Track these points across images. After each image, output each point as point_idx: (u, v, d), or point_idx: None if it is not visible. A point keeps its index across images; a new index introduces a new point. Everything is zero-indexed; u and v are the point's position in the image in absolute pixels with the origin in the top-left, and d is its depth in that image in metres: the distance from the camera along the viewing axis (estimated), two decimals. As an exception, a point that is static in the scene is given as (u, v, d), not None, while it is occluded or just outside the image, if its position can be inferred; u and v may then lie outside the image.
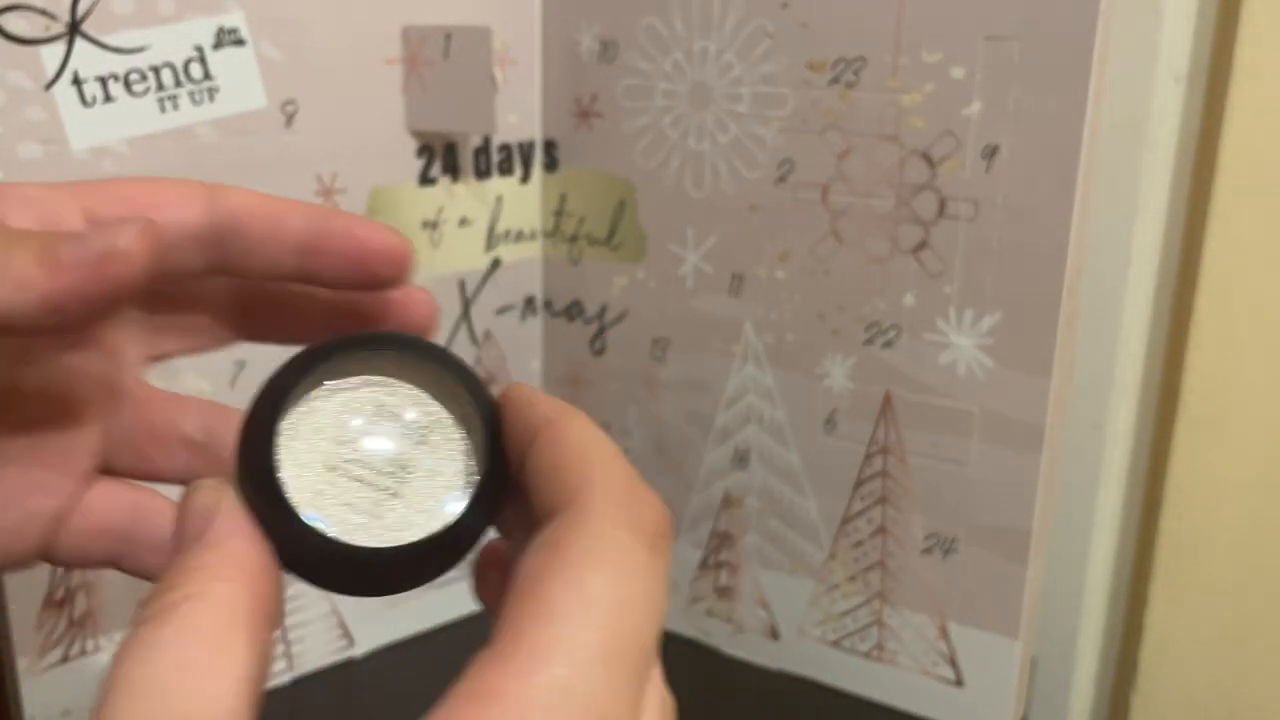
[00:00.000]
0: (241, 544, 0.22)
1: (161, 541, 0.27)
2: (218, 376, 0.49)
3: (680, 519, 0.58)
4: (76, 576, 0.47)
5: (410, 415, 0.25)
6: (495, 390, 0.26)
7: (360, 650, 0.57)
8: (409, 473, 0.25)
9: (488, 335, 0.59)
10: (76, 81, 0.43)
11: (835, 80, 0.48)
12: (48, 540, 0.27)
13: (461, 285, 0.57)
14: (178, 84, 0.45)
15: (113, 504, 0.28)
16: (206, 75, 0.46)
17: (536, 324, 0.61)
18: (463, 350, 0.58)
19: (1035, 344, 0.46)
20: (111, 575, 0.48)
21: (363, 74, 0.50)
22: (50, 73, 0.42)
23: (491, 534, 0.27)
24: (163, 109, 0.45)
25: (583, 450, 0.24)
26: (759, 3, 0.50)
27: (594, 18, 0.55)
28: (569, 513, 0.23)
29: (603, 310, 0.58)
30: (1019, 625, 0.49)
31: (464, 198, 0.56)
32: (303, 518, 0.23)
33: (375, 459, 0.25)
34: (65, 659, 0.47)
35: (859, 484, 0.52)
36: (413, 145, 0.53)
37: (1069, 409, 0.63)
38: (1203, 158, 0.60)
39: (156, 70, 0.45)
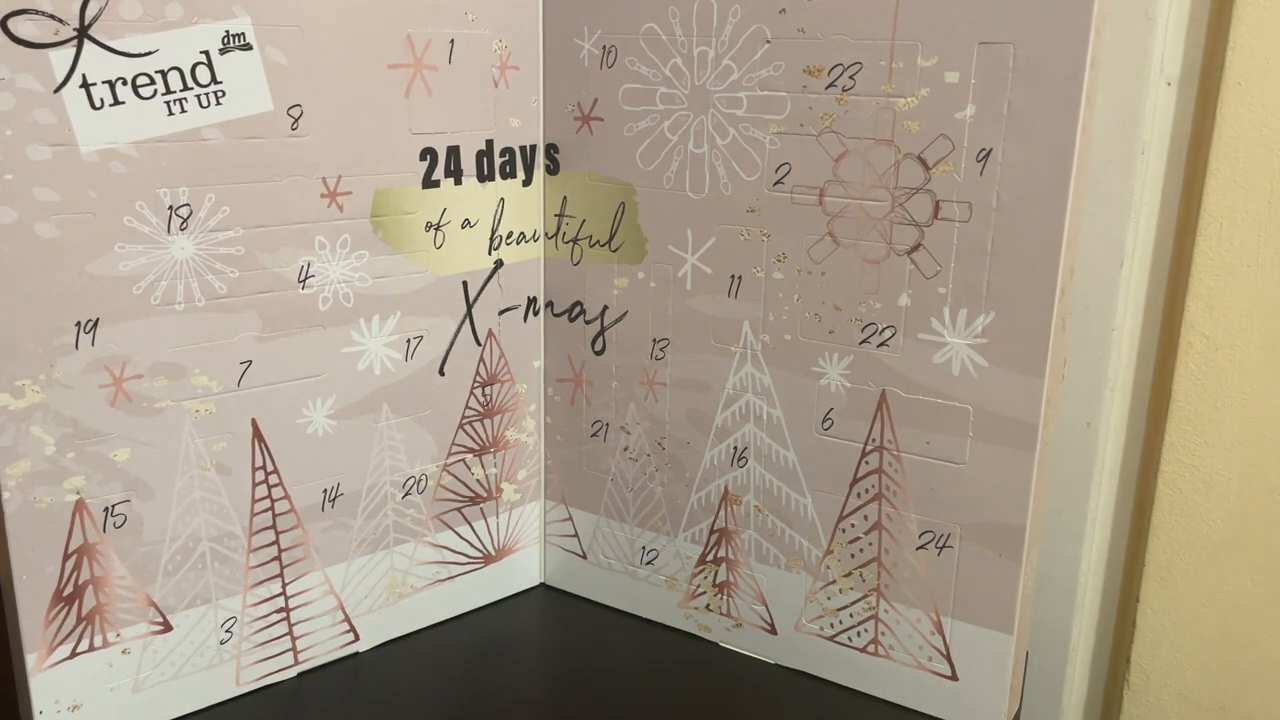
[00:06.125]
0: None
1: None
2: (225, 375, 0.50)
3: (679, 516, 0.59)
4: (86, 572, 0.47)
5: None
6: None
7: (365, 645, 0.58)
8: None
9: (490, 335, 0.59)
10: (85, 85, 0.43)
11: (832, 85, 0.49)
12: None
13: (464, 286, 0.58)
14: (185, 87, 0.46)
15: None
16: (214, 79, 0.46)
17: (538, 324, 0.62)
18: (466, 350, 0.58)
19: (1028, 343, 0.47)
20: (121, 571, 0.48)
21: (367, 78, 0.51)
22: (59, 76, 0.43)
23: None
24: (170, 112, 0.46)
25: None
26: (757, 9, 0.50)
27: (595, 23, 0.56)
28: None
29: (603, 310, 0.59)
30: (1013, 620, 0.50)
31: (466, 200, 0.57)
32: None
33: None
34: (74, 654, 0.48)
35: (855, 481, 0.53)
36: (416, 148, 0.54)
37: (1062, 407, 0.64)
38: (1194, 160, 0.61)
39: (164, 74, 0.45)
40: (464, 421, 0.59)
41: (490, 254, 0.59)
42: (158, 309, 0.47)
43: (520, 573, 0.65)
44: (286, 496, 0.53)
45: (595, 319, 0.60)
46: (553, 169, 0.59)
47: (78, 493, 0.46)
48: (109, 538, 0.48)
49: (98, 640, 0.48)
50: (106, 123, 0.44)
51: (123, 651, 0.49)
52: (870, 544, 0.53)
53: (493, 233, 0.58)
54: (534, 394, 0.62)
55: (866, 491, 0.52)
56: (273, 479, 0.52)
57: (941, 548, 0.51)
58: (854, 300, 0.51)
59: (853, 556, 0.53)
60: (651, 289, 0.57)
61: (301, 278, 0.51)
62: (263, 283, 0.50)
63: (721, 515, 0.57)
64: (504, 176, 0.58)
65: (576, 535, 0.63)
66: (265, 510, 0.52)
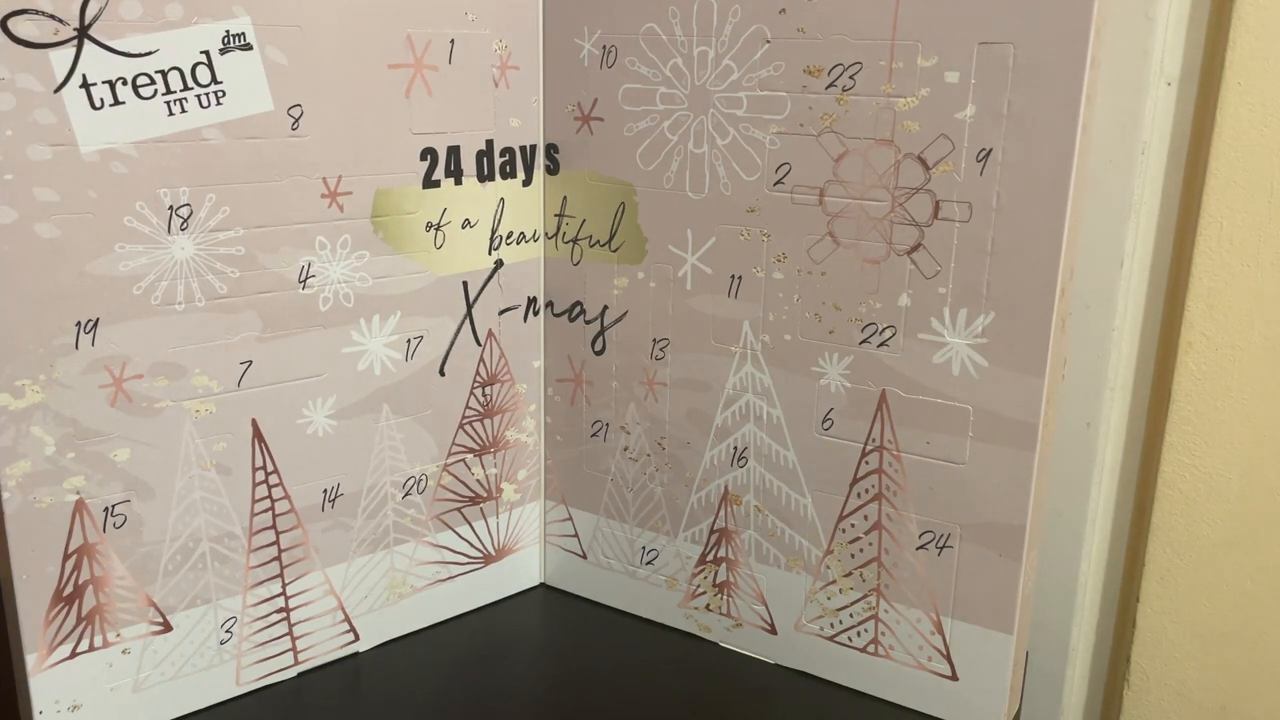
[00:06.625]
0: None
1: None
2: (225, 375, 0.50)
3: (679, 516, 0.59)
4: (86, 572, 0.47)
5: None
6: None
7: (365, 645, 0.58)
8: None
9: (490, 335, 0.59)
10: (85, 85, 0.43)
11: (832, 85, 0.49)
12: None
13: (465, 286, 0.58)
14: (185, 87, 0.46)
15: None
16: (214, 79, 0.46)
17: (538, 324, 0.62)
18: (466, 350, 0.58)
19: (1028, 343, 0.47)
20: (121, 571, 0.48)
21: (367, 79, 0.51)
22: (59, 76, 0.43)
23: None
24: (170, 112, 0.46)
25: None
26: (757, 9, 0.50)
27: (595, 23, 0.56)
28: None
29: (603, 310, 0.59)
30: (1013, 620, 0.50)
31: (467, 200, 0.57)
32: None
33: None
34: (74, 654, 0.48)
35: (855, 481, 0.53)
36: (416, 148, 0.54)
37: (1062, 407, 0.64)
38: (1194, 160, 0.61)
39: (164, 74, 0.45)
40: (464, 421, 0.59)
41: (490, 254, 0.59)
42: (158, 309, 0.47)
43: (520, 573, 0.65)
44: (286, 496, 0.53)
45: (595, 319, 0.60)
46: (553, 169, 0.59)
47: (78, 493, 0.46)
48: (109, 538, 0.48)
49: (98, 640, 0.48)
50: (107, 123, 0.44)
51: (123, 651, 0.49)
52: (870, 544, 0.53)
53: (493, 233, 0.58)
54: (534, 394, 0.62)
55: (866, 491, 0.52)
56: (273, 479, 0.52)
57: (941, 548, 0.51)
58: (854, 300, 0.51)
59: (853, 556, 0.53)
60: (651, 289, 0.57)
61: (302, 278, 0.51)
62: (263, 283, 0.50)
63: (721, 515, 0.57)
64: (504, 176, 0.58)
65: (576, 535, 0.63)
66: (265, 510, 0.52)
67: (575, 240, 0.59)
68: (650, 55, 0.54)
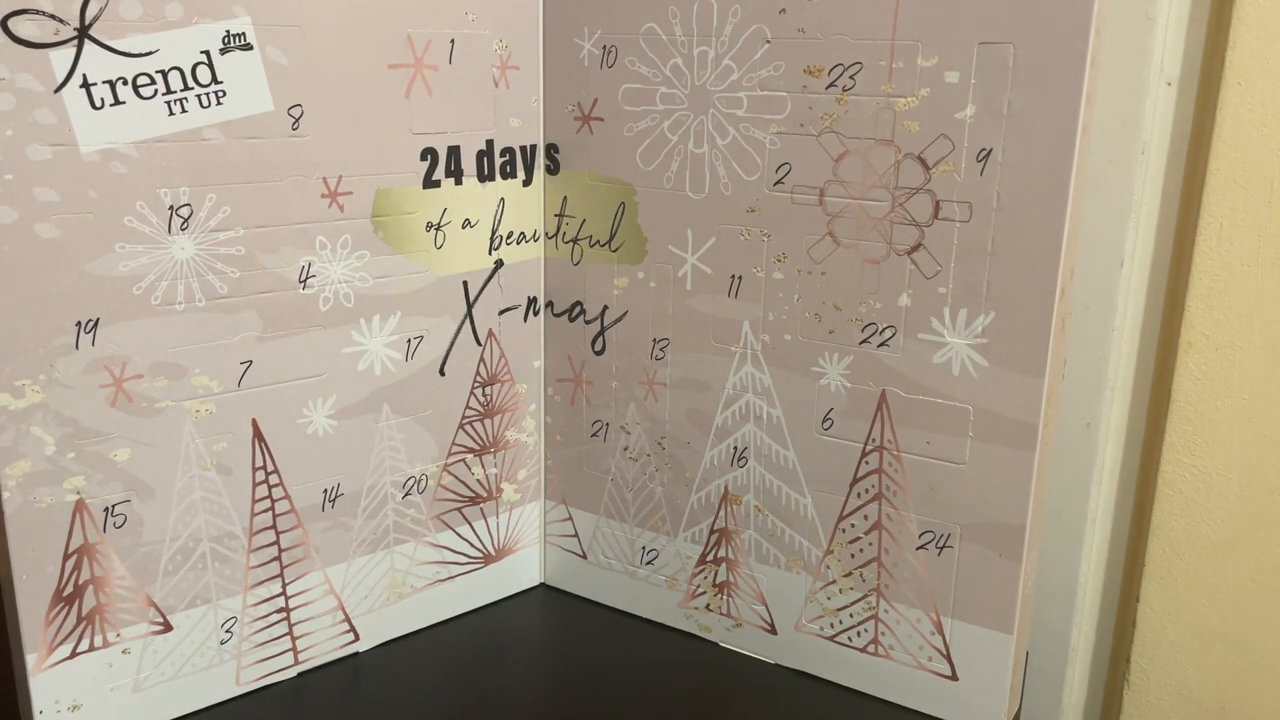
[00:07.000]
0: None
1: None
2: (225, 375, 0.50)
3: (679, 516, 0.59)
4: (86, 572, 0.47)
5: None
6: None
7: (365, 645, 0.58)
8: None
9: (490, 335, 0.59)
10: (85, 85, 0.43)
11: (832, 85, 0.49)
12: None
13: (465, 286, 0.58)
14: (185, 87, 0.46)
15: None
16: (214, 79, 0.46)
17: (538, 324, 0.62)
18: (466, 350, 0.58)
19: (1028, 343, 0.47)
20: (121, 571, 0.48)
21: (367, 79, 0.51)
22: (60, 76, 0.43)
23: None
24: (170, 112, 0.46)
25: None
26: (757, 9, 0.50)
27: (595, 23, 0.56)
28: None
29: (603, 310, 0.59)
30: (1013, 620, 0.50)
31: (467, 200, 0.57)
32: None
33: None
34: (74, 654, 0.48)
35: (855, 481, 0.53)
36: (416, 148, 0.54)
37: (1062, 407, 0.64)
38: (1194, 160, 0.61)
39: (164, 74, 0.45)
40: (464, 421, 0.59)
41: (490, 254, 0.59)
42: (158, 309, 0.47)
43: (520, 573, 0.65)
44: (287, 496, 0.53)
45: (595, 319, 0.60)
46: (553, 169, 0.59)
47: (78, 493, 0.46)
48: (109, 538, 0.48)
49: (98, 640, 0.48)
50: (107, 123, 0.44)
51: (123, 651, 0.49)
52: (870, 544, 0.53)
53: (493, 233, 0.58)
54: (534, 394, 0.62)
55: (866, 491, 0.52)
56: (273, 479, 0.52)
57: (941, 548, 0.51)
58: (854, 300, 0.51)
59: (853, 556, 0.53)
60: (651, 289, 0.57)
61: (302, 278, 0.51)
62: (263, 283, 0.50)
63: (721, 515, 0.57)
64: (504, 176, 0.58)
65: (576, 535, 0.63)
66: (265, 510, 0.52)
67: (575, 240, 0.59)
68: (650, 55, 0.54)
